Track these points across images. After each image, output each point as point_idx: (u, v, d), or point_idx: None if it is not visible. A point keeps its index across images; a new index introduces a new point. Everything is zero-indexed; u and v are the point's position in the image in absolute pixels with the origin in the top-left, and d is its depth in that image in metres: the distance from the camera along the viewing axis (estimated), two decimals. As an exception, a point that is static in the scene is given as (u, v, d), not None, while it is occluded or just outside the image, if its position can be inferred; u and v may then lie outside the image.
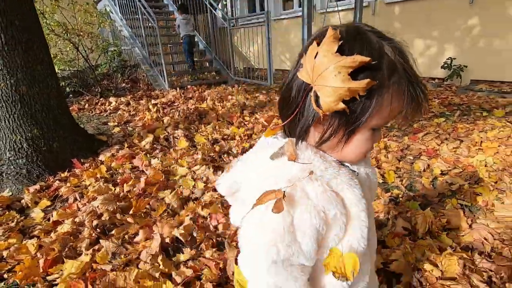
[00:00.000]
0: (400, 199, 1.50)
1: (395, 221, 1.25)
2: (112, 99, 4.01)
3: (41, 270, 1.11)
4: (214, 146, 2.20)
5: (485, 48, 3.91)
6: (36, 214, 1.49)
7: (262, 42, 7.22)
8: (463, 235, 1.18)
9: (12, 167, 1.77)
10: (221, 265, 1.05)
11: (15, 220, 1.42)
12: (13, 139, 1.77)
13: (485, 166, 1.73)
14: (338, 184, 0.46)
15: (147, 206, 1.47)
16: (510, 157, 1.81)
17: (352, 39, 0.41)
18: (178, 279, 1.01)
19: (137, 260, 1.13)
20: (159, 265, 1.07)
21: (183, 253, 1.15)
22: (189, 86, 4.94)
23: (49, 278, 1.10)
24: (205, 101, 3.63)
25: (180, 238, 1.19)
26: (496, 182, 1.57)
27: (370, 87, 0.40)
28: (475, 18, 3.90)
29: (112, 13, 5.89)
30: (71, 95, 4.76)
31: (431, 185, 1.63)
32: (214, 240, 1.20)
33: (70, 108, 3.68)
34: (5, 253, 1.21)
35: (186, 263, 1.11)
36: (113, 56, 5.69)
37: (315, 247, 0.44)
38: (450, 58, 4.07)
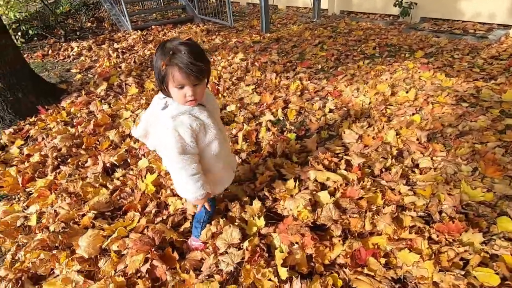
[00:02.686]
0: (285, 131, 2.01)
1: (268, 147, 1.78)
2: (74, 44, 4.17)
3: (20, 185, 1.66)
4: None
5: (434, -16, 4.01)
6: (14, 150, 1.99)
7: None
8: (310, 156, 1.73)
9: (-13, 114, 2.20)
10: (141, 176, 1.60)
11: (-2, 155, 1.92)
12: (-17, 91, 2.16)
13: (362, 105, 2.21)
14: (195, 113, 0.95)
15: (97, 142, 1.97)
16: (386, 97, 2.28)
17: (159, 47, 0.87)
18: (110, 187, 1.56)
19: (86, 178, 1.68)
20: (99, 179, 1.62)
21: (117, 172, 1.69)
22: (153, 26, 5.01)
23: (27, 190, 1.65)
24: (162, 45, 3.85)
25: (115, 162, 1.72)
26: (360, 117, 2.07)
27: (164, 66, 0.84)
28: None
29: None
30: (35, 38, 4.83)
31: (317, 121, 2.13)
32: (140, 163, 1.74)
33: (35, 55, 3.91)
34: (-6, 177, 1.74)
35: (118, 178, 1.65)
36: (74, -8, 5.51)
37: (194, 142, 0.96)
38: (401, -4, 4.18)
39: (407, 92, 2.29)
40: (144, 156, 1.77)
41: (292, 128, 2.03)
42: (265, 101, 2.39)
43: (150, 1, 5.96)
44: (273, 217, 1.28)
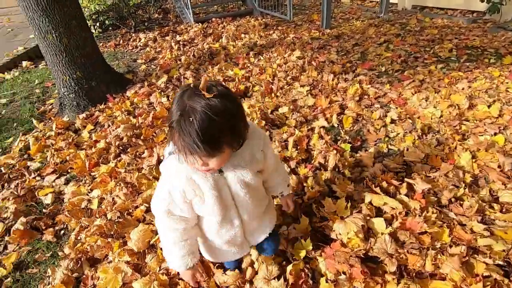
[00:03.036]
0: (339, 140, 1.88)
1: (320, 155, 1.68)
2: (142, 35, 4.46)
3: (87, 169, 1.83)
4: (214, 87, 2.64)
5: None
6: (84, 134, 2.20)
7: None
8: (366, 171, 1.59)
9: (67, 100, 2.46)
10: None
11: (71, 138, 2.14)
12: (64, 79, 2.42)
13: (431, 118, 1.96)
14: (196, 177, 0.75)
15: (154, 134, 2.08)
16: (462, 110, 1.99)
17: (180, 92, 0.67)
18: (162, 181, 1.63)
19: (141, 169, 1.78)
20: (153, 172, 1.70)
21: (169, 166, 1.76)
22: (213, 19, 5.11)
23: (92, 174, 1.82)
24: (220, 39, 3.91)
25: (168, 157, 1.79)
26: (427, 132, 1.84)
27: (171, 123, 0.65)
28: None
29: None
30: (110, 28, 5.30)
31: (375, 132, 1.95)
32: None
33: (108, 44, 4.27)
34: (67, 158, 1.95)
35: (170, 172, 1.72)
36: (145, -15, 5.87)
37: (187, 206, 0.79)
38: (492, -12, 3.60)
39: (489, 106, 1.98)
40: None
41: (347, 137, 1.89)
42: (320, 104, 2.27)
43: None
44: (320, 238, 1.20)
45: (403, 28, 3.93)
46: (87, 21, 4.42)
